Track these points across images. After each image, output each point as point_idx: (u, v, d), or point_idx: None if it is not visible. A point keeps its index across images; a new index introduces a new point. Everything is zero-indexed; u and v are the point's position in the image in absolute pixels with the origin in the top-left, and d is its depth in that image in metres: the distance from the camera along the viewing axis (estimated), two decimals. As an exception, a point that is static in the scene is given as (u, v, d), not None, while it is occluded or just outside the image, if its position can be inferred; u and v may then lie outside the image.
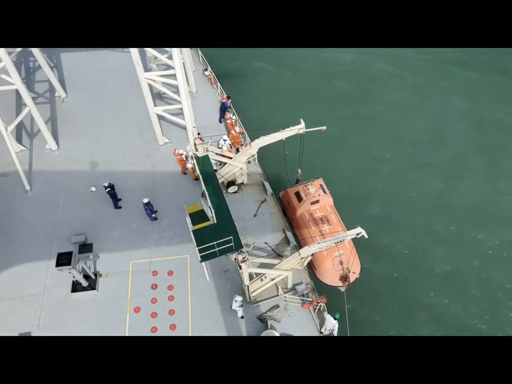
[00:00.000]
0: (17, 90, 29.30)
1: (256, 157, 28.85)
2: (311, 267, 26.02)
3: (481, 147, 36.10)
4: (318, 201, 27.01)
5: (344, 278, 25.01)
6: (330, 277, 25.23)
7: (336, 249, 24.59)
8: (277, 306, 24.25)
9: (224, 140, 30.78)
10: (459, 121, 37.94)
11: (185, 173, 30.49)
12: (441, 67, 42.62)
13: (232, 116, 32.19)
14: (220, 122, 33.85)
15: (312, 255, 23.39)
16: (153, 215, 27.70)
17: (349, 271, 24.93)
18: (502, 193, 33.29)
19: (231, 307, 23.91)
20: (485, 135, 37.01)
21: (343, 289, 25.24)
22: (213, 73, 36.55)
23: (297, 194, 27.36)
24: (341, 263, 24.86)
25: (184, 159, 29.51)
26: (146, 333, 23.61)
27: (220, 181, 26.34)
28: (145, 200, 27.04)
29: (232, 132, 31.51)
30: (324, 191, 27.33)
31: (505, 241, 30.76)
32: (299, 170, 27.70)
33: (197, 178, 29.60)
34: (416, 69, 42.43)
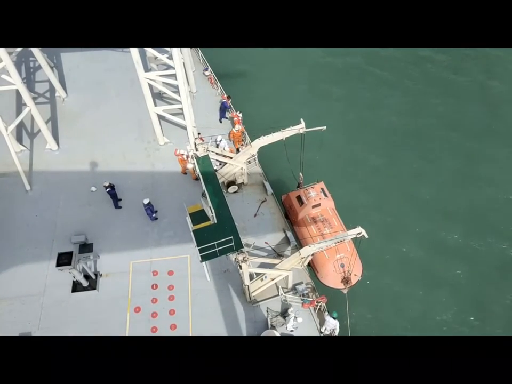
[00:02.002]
0: (17, 90, 29.29)
1: (256, 156, 28.82)
2: (313, 269, 26.10)
3: (483, 152, 36.04)
4: (319, 204, 27.13)
5: (345, 280, 25.19)
6: (332, 279, 25.37)
7: (337, 252, 24.75)
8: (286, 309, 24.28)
9: (219, 140, 30.74)
10: (462, 127, 37.86)
11: (185, 173, 30.48)
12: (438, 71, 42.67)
13: (239, 113, 32.17)
14: (220, 122, 33.86)
15: (312, 255, 23.43)
16: (154, 215, 27.71)
17: (351, 274, 25.09)
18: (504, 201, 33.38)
19: (285, 327, 23.56)
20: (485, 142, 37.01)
21: (345, 291, 25.37)
22: (213, 73, 36.54)
23: (299, 198, 27.48)
24: (343, 265, 25.06)
25: (185, 159, 29.50)
26: (147, 332, 23.62)
27: (220, 181, 26.35)
28: (146, 201, 27.04)
29: (233, 129, 31.47)
30: (325, 195, 27.45)
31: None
32: (300, 174, 27.83)
33: (197, 178, 29.59)
34: (416, 74, 42.36)
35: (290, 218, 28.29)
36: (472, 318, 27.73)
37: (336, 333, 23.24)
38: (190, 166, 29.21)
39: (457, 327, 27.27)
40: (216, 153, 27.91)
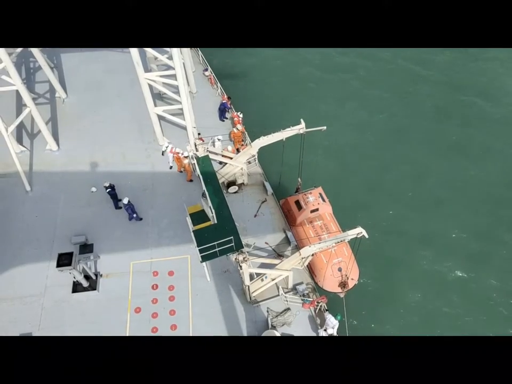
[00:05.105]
0: (17, 91, 29.31)
1: (256, 157, 28.87)
2: (310, 273, 26.14)
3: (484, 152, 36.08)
4: (317, 209, 27.25)
5: (343, 284, 25.40)
6: (330, 283, 25.51)
7: (335, 257, 24.99)
8: (288, 309, 24.25)
9: (218, 139, 30.86)
10: (463, 127, 37.87)
11: (181, 171, 30.53)
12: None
13: (239, 113, 32.24)
14: (222, 121, 33.91)
15: (312, 255, 23.45)
16: (134, 215, 27.68)
17: (348, 278, 25.22)
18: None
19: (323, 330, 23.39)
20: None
21: (342, 295, 25.51)
22: (213, 73, 36.58)
23: (297, 203, 27.65)
24: (340, 270, 25.21)
25: (181, 157, 29.57)
26: (147, 333, 23.63)
27: (220, 181, 26.37)
28: (126, 200, 27.11)
29: (234, 129, 31.54)
30: (323, 200, 27.56)
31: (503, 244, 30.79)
32: (299, 179, 27.96)
33: (191, 180, 29.69)
34: (413, 74, 42.38)
35: (288, 222, 28.36)
36: (472, 319, 27.67)
37: (333, 332, 23.15)
38: (186, 161, 29.18)
39: (456, 329, 27.21)
40: (216, 154, 27.97)
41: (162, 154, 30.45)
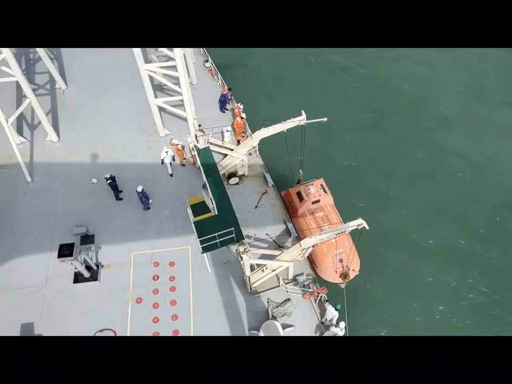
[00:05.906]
0: (17, 82, 29.17)
1: (257, 148, 28.88)
2: (311, 264, 26.24)
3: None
4: (318, 200, 27.29)
5: (344, 275, 25.53)
6: (331, 274, 25.60)
7: (336, 247, 25.01)
8: (289, 300, 24.39)
9: (227, 130, 30.89)
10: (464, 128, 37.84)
11: (183, 164, 30.54)
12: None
13: (240, 105, 32.18)
14: (223, 112, 33.84)
15: (313, 246, 23.55)
16: (149, 201, 27.91)
17: (349, 269, 25.34)
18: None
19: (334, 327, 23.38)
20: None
21: (343, 286, 25.63)
22: (214, 65, 36.43)
23: (299, 194, 27.68)
24: (341, 260, 25.32)
25: (181, 148, 29.58)
26: (148, 323, 23.83)
27: (221, 173, 26.40)
28: (139, 188, 27.26)
29: (238, 119, 31.47)
30: (325, 191, 27.59)
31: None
32: (300, 170, 27.95)
33: (183, 164, 30.19)
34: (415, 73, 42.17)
35: (290, 214, 28.43)
36: (470, 320, 27.73)
37: (334, 323, 23.27)
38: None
39: (454, 328, 27.31)
40: (217, 145, 27.98)
41: (162, 163, 30.19)
